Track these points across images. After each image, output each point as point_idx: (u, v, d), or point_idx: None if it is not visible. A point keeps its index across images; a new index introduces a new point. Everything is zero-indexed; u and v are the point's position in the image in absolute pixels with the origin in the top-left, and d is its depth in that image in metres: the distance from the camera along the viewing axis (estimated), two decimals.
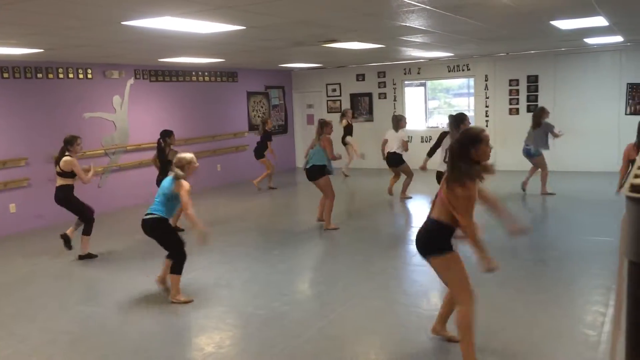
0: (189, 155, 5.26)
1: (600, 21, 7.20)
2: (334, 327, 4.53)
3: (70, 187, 6.94)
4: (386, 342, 4.29)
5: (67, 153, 6.84)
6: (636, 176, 1.85)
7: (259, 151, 11.47)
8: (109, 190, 10.03)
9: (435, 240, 3.61)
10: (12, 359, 4.20)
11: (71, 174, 6.86)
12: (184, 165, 5.17)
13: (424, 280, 5.63)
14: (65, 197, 6.92)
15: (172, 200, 5.14)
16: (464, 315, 3.59)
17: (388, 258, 6.44)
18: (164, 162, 7.80)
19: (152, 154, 10.89)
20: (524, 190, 9.73)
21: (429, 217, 3.71)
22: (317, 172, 7.75)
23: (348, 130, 12.89)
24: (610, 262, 5.96)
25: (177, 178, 5.08)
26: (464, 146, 3.48)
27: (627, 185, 1.69)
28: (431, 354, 4.00)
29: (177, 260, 5.20)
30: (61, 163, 6.81)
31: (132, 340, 4.46)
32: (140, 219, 5.28)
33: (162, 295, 5.44)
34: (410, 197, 9.86)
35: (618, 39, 9.98)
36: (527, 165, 9.91)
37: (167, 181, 5.21)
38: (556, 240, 6.88)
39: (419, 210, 9.49)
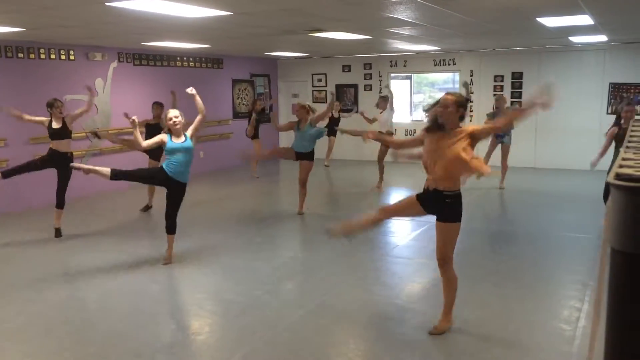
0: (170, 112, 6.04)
1: (585, 20, 7.26)
2: (314, 317, 4.54)
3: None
4: (365, 332, 4.31)
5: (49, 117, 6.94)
6: (621, 165, 1.87)
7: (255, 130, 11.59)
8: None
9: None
10: None
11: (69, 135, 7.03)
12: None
13: (402, 272, 5.67)
14: (68, 163, 6.71)
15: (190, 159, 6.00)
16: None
17: (368, 249, 6.46)
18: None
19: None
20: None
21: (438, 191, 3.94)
22: (311, 155, 8.04)
23: (335, 122, 12.85)
24: (588, 258, 6.05)
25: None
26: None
27: (612, 174, 1.71)
28: (409, 344, 4.03)
29: (174, 222, 5.90)
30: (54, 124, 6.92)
31: (109, 324, 4.43)
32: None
33: (140, 280, 5.41)
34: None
35: (602, 38, 10.09)
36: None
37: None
38: (534, 236, 6.95)
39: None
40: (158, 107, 8.65)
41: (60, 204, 7.06)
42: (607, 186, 7.32)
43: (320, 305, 4.77)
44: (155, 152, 7.91)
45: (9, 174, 6.83)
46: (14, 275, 5.71)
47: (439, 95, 17.64)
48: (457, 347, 4.00)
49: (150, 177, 6.16)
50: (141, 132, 8.10)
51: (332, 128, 12.58)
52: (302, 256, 6.36)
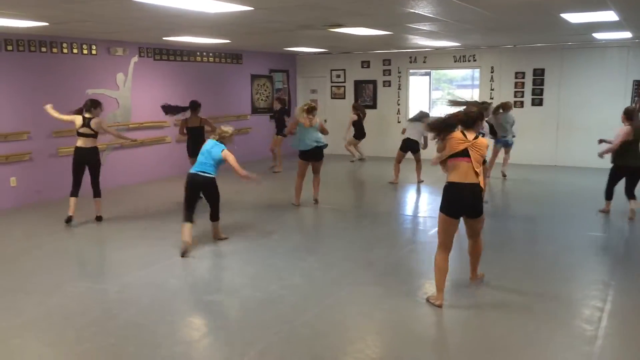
0: (229, 130, 6.37)
1: (610, 16, 7.13)
2: (330, 313, 4.53)
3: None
4: (382, 329, 4.29)
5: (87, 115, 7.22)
6: None
7: (280, 127, 11.79)
8: (110, 167, 9.99)
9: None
10: (6, 334, 4.19)
11: (96, 135, 7.32)
12: (225, 137, 6.33)
13: (421, 270, 5.63)
14: (97, 158, 7.41)
15: (218, 164, 6.29)
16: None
17: (385, 245, 6.43)
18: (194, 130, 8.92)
19: (153, 132, 10.89)
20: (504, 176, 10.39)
21: (472, 184, 4.49)
22: (322, 152, 8.23)
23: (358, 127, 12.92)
24: (609, 257, 5.96)
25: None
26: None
27: None
28: (427, 342, 4.01)
29: (217, 210, 6.43)
30: (92, 123, 7.20)
31: (128, 317, 4.47)
32: (188, 175, 6.28)
33: (159, 274, 5.45)
34: (422, 181, 10.18)
35: (627, 34, 9.90)
36: (526, 158, 9.88)
37: (215, 151, 6.24)
38: (555, 234, 6.86)
39: (422, 198, 9.49)
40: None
41: (96, 193, 7.54)
42: (630, 181, 7.29)
43: (337, 301, 4.76)
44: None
45: None
46: (33, 266, 5.79)
47: (457, 92, 17.61)
48: (476, 344, 3.97)
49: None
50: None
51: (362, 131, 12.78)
52: (319, 251, 6.35)
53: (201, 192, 6.33)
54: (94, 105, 7.29)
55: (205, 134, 8.73)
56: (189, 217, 6.12)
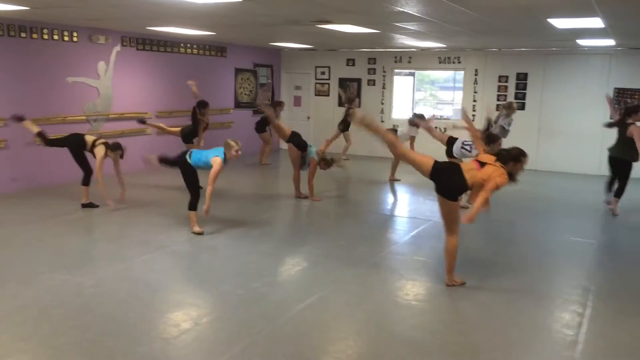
0: (234, 146, 6.42)
1: (596, 22, 7.19)
2: (313, 311, 4.48)
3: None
4: (365, 329, 4.26)
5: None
6: None
7: (262, 125, 11.84)
8: (88, 157, 9.79)
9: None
10: None
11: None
12: (227, 150, 6.45)
13: (403, 270, 5.61)
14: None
15: (205, 166, 6.48)
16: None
17: (368, 245, 6.40)
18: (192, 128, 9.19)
19: (134, 123, 10.72)
20: None
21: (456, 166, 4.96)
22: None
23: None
24: (589, 263, 6.01)
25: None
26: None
27: None
28: (407, 342, 3.98)
29: (193, 199, 6.54)
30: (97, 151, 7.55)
31: (105, 312, 4.36)
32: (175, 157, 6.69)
33: (137, 268, 5.35)
34: (399, 180, 10.29)
35: (610, 42, 10.02)
36: None
37: (211, 154, 6.45)
38: (536, 239, 6.91)
39: (405, 197, 9.49)
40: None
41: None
42: (612, 174, 7.60)
43: (319, 300, 4.72)
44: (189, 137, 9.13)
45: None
46: (9, 257, 5.64)
47: (440, 93, 17.71)
48: (458, 347, 3.96)
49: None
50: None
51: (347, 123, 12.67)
52: (302, 250, 6.30)
53: (180, 171, 6.63)
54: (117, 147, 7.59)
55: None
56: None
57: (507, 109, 10.05)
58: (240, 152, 6.49)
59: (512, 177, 4.86)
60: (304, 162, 8.45)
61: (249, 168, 11.51)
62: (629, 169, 7.88)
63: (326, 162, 8.39)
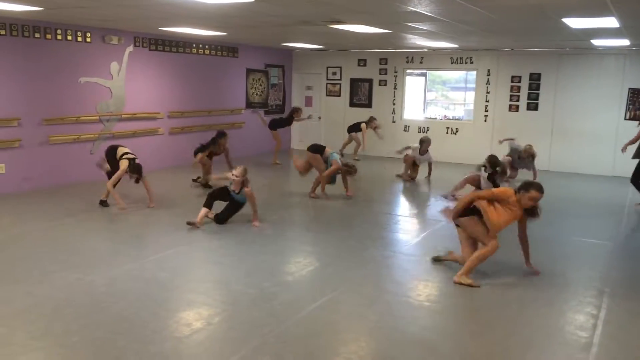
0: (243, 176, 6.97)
1: (611, 22, 7.12)
2: (323, 312, 4.47)
3: None
4: (376, 330, 4.23)
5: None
6: None
7: (277, 124, 12.17)
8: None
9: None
10: None
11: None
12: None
13: (414, 270, 5.58)
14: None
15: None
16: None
17: (379, 246, 6.38)
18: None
19: (146, 123, 10.76)
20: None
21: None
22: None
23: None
24: (603, 264, 5.95)
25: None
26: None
27: None
28: (419, 344, 3.96)
29: (223, 216, 7.14)
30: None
31: (116, 311, 4.38)
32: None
33: (149, 267, 5.37)
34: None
35: (625, 42, 9.92)
36: None
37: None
38: (549, 240, 6.84)
39: (417, 199, 9.45)
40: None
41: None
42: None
43: (330, 300, 4.70)
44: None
45: None
46: (22, 256, 5.68)
47: (451, 94, 17.70)
48: (471, 349, 3.93)
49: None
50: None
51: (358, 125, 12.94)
52: (313, 250, 6.29)
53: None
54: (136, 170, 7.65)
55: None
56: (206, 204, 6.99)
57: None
58: (235, 176, 6.92)
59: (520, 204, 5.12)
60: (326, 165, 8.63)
61: (259, 167, 11.50)
62: None
63: (348, 168, 8.54)
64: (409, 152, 10.68)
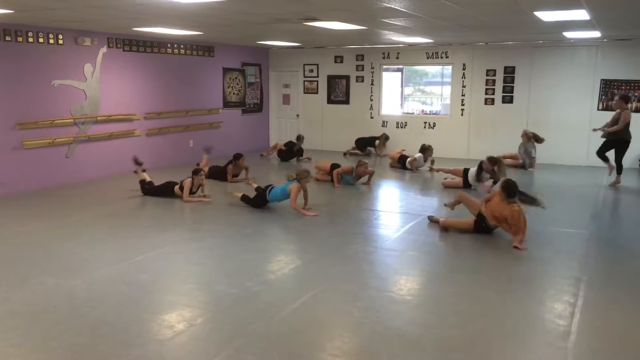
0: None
1: (582, 15, 7.23)
2: (307, 309, 4.47)
3: None
4: (360, 326, 4.25)
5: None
6: None
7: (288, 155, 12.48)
8: (77, 161, 9.75)
9: None
10: None
11: None
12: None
13: (396, 265, 5.62)
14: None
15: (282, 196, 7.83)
16: None
17: (361, 241, 6.41)
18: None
19: (122, 125, 10.66)
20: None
21: None
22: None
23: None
24: (580, 253, 6.05)
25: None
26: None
27: None
28: (402, 337, 3.99)
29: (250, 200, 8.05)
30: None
31: (97, 314, 4.33)
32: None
33: (129, 270, 5.32)
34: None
35: (596, 34, 10.08)
36: (495, 154, 9.99)
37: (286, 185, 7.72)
38: (528, 231, 6.93)
39: (396, 193, 9.51)
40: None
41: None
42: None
43: (314, 297, 4.71)
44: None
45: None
46: None
47: (428, 88, 17.85)
48: (453, 341, 3.96)
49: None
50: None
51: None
52: (295, 248, 6.29)
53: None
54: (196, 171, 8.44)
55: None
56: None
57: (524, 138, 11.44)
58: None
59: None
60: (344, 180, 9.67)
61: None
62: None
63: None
64: (414, 161, 11.19)
